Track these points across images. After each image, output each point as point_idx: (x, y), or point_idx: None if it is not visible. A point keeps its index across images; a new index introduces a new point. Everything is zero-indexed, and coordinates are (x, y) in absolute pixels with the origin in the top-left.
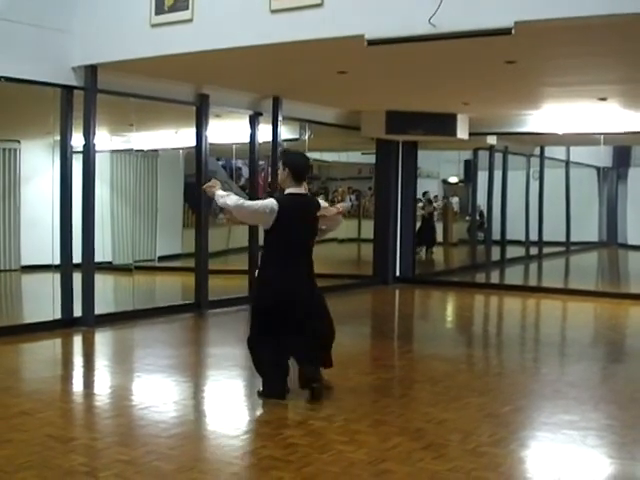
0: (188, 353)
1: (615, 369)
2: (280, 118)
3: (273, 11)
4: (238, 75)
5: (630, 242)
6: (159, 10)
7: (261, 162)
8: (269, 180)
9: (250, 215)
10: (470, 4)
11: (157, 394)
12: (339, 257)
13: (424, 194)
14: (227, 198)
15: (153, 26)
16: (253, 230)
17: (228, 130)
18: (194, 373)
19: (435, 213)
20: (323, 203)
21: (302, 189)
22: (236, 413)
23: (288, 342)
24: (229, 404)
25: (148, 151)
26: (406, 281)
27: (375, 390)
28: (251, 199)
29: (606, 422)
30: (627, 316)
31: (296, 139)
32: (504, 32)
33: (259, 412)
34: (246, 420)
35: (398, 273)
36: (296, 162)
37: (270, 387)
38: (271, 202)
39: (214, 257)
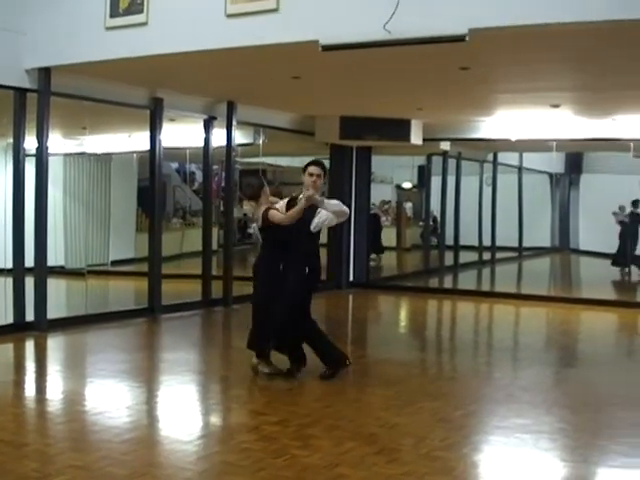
0: (141, 358)
1: (567, 373)
2: (234, 122)
3: (229, 15)
4: (193, 79)
5: (582, 247)
6: (114, 13)
7: (215, 166)
8: (222, 184)
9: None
10: (425, 11)
11: (110, 399)
12: None
13: None
14: (332, 202)
15: (108, 29)
16: (207, 234)
17: (182, 134)
18: (147, 378)
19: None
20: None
21: None
22: (190, 418)
23: None
24: (182, 409)
25: (101, 155)
26: (360, 286)
27: (329, 395)
28: (205, 204)
29: (559, 425)
30: (579, 321)
31: (250, 144)
32: (458, 39)
33: (213, 417)
34: (200, 425)
35: (352, 278)
36: None
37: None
38: None
39: (167, 261)
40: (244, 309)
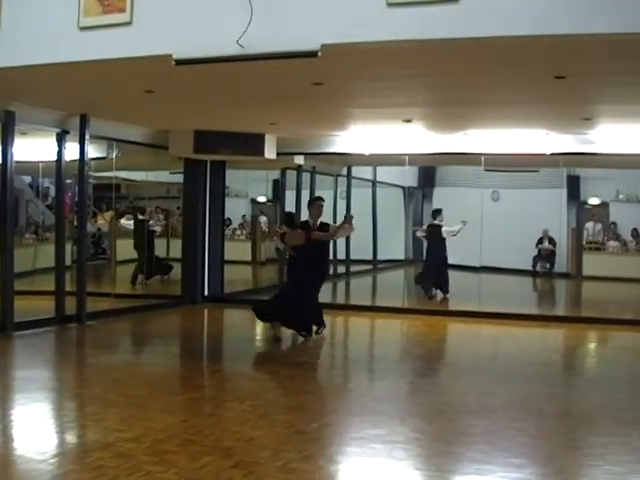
0: None
1: (421, 383)
2: (87, 136)
3: (82, 28)
4: (45, 92)
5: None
6: None
7: (68, 180)
8: (76, 199)
9: None
10: (278, 26)
11: None
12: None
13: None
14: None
15: None
16: (59, 249)
17: (35, 148)
18: None
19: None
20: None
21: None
22: (43, 437)
23: None
24: (36, 428)
25: None
26: (215, 300)
27: (184, 409)
28: (57, 219)
29: (413, 435)
30: (433, 332)
31: (103, 158)
32: (311, 54)
33: (67, 435)
34: (54, 443)
35: (207, 292)
36: None
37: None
38: None
39: (20, 277)
40: (99, 325)
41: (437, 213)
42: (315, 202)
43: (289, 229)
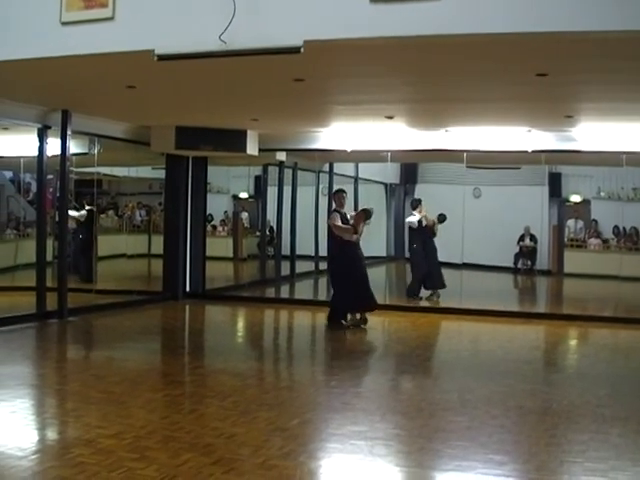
0: None
1: (402, 380)
2: (69, 132)
3: (64, 23)
4: (27, 87)
5: None
6: None
7: (50, 176)
8: (57, 194)
9: None
10: (260, 22)
11: None
12: (128, 273)
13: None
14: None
15: None
16: (40, 245)
17: (16, 143)
18: None
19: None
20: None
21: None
22: (24, 433)
23: None
24: (17, 424)
25: None
26: (196, 296)
27: (165, 406)
28: (38, 214)
29: (393, 432)
30: (414, 328)
31: (85, 153)
32: (293, 51)
33: (48, 431)
34: (34, 440)
35: (188, 288)
36: None
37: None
38: None
39: (1, 273)
40: (80, 321)
41: (416, 203)
42: (340, 193)
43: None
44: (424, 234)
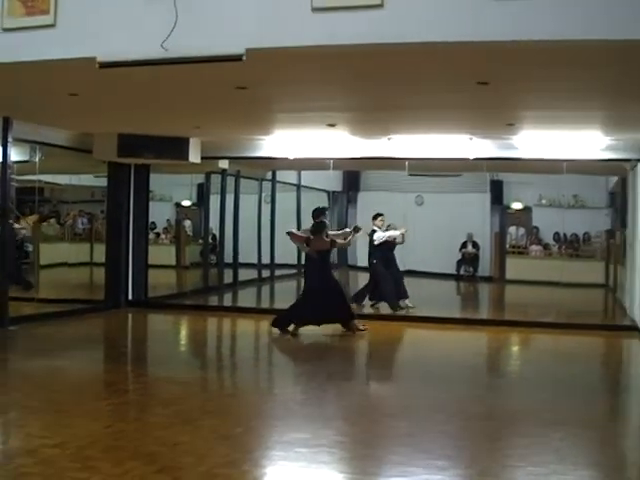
0: None
1: (344, 386)
2: (10, 139)
3: (5, 29)
4: None
5: (359, 264)
6: None
7: None
8: None
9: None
10: (203, 30)
11: None
12: (70, 282)
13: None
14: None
15: None
16: None
17: None
18: None
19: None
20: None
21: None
22: None
23: None
24: None
25: None
26: (139, 305)
27: (108, 415)
28: None
29: (336, 438)
30: (356, 335)
31: (26, 161)
32: (235, 58)
33: None
34: None
35: (131, 297)
36: None
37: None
38: None
39: None
40: (22, 330)
41: (377, 215)
42: (324, 212)
43: (313, 235)
44: (385, 249)
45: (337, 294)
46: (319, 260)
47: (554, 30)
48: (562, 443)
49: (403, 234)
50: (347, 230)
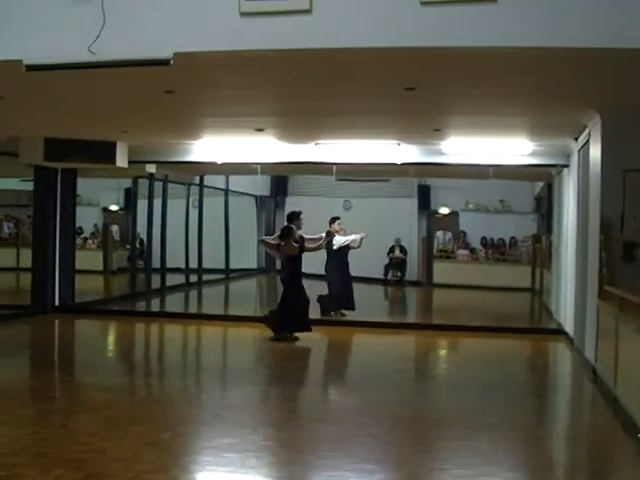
0: None
1: (272, 391)
2: None
3: None
4: None
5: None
6: None
7: None
8: None
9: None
10: (131, 34)
11: None
12: None
13: None
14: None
15: None
16: None
17: None
18: None
19: None
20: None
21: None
22: None
23: None
24: None
25: None
26: (66, 310)
27: (34, 422)
28: None
29: (264, 443)
30: (282, 341)
31: None
32: (163, 62)
33: None
34: None
35: (57, 302)
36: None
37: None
38: None
39: None
40: None
41: (334, 219)
42: (300, 216)
43: (282, 240)
44: (343, 253)
45: (300, 301)
46: (290, 266)
47: (475, 36)
48: (490, 446)
49: (362, 238)
50: (323, 235)
